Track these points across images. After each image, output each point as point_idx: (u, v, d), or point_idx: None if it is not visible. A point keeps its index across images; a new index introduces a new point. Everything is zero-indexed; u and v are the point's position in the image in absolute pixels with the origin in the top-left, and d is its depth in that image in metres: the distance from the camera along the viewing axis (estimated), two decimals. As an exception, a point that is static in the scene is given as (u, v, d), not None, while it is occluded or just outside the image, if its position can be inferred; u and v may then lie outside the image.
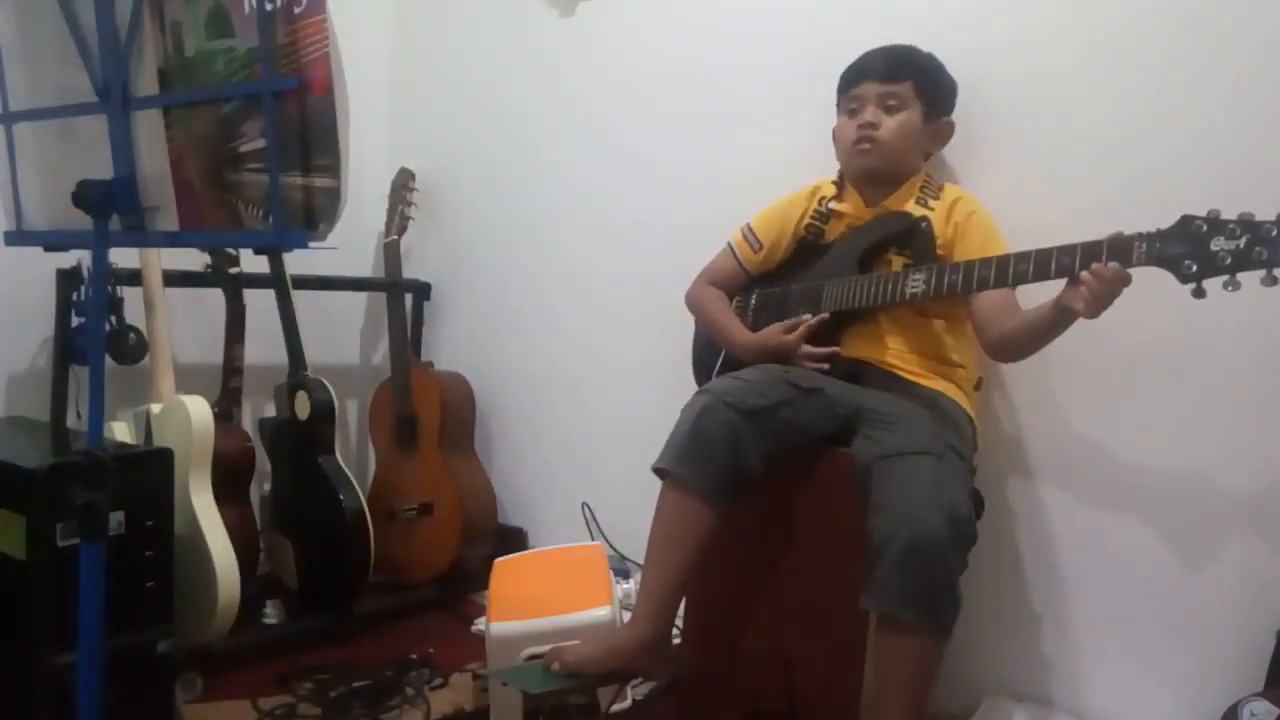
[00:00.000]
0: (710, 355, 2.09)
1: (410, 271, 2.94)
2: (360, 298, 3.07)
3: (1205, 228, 1.40)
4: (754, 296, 2.05)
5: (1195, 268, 1.40)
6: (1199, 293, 1.40)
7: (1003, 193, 1.90)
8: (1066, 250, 1.51)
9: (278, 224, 1.07)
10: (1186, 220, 1.42)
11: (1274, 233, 1.34)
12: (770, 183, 2.08)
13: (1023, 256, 1.58)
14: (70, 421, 2.23)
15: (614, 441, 2.59)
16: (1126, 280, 1.45)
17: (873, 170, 1.88)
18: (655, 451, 1.69)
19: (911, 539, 1.47)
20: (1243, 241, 1.37)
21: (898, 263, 1.84)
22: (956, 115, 1.91)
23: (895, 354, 1.82)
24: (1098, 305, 1.47)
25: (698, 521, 1.64)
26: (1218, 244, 1.38)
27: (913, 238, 1.83)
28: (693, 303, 2.12)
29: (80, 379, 2.24)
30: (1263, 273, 1.36)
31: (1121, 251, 1.45)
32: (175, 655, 1.83)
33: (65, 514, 1.60)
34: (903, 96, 1.84)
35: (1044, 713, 1.88)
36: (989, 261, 1.64)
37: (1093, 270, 1.45)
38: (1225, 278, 1.38)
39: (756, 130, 2.32)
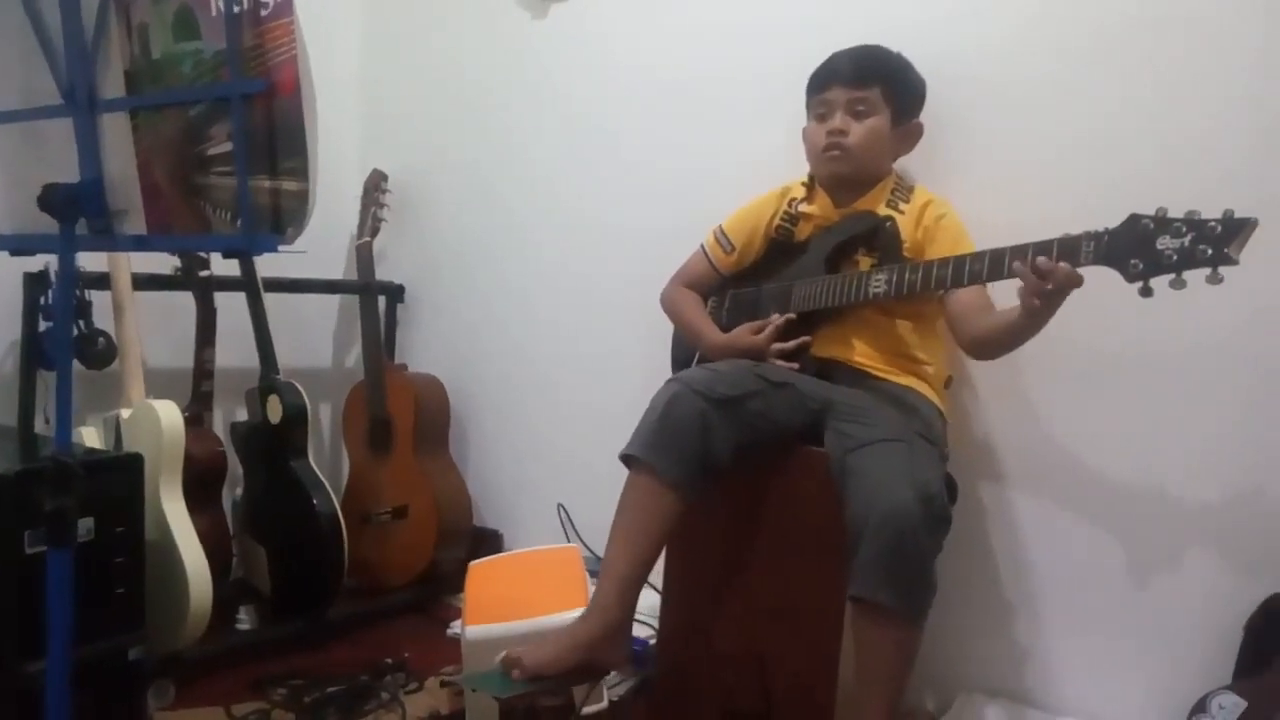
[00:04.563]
0: (688, 353, 2.10)
1: (383, 273, 2.92)
2: (332, 300, 3.05)
3: (1152, 226, 1.40)
4: (728, 297, 2.06)
5: (1141, 266, 1.40)
6: (1146, 291, 1.40)
7: (976, 196, 1.91)
8: (1019, 250, 1.52)
9: (247, 228, 1.07)
10: (1134, 219, 1.42)
11: (1218, 230, 1.34)
12: (746, 183, 2.09)
13: (977, 256, 1.60)
14: (39, 427, 2.20)
15: (590, 443, 2.58)
16: (1071, 278, 1.44)
17: (842, 176, 1.90)
18: (632, 452, 1.70)
19: (883, 517, 1.48)
20: (1188, 240, 1.37)
21: (865, 263, 1.85)
22: (931, 119, 1.92)
23: (862, 353, 1.83)
24: (1045, 309, 1.48)
25: (663, 509, 1.65)
26: (1163, 242, 1.38)
27: (878, 237, 1.84)
28: (667, 304, 2.13)
29: (48, 384, 2.21)
30: (1208, 271, 1.36)
31: (1070, 251, 1.46)
32: (147, 662, 1.82)
33: (33, 521, 1.59)
34: (871, 102, 1.84)
35: (1017, 709, 1.90)
36: (946, 261, 1.65)
37: (1032, 266, 1.46)
38: (1171, 276, 1.38)
39: (731, 131, 2.32)
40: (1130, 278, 1.41)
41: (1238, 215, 1.34)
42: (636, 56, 2.49)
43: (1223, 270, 1.35)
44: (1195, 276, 1.37)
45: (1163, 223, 1.39)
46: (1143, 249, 1.40)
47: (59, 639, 1.22)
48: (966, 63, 1.95)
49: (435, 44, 2.93)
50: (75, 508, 1.21)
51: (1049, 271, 1.45)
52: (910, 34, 1.92)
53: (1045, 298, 1.47)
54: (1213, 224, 1.35)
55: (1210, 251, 1.35)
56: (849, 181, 1.90)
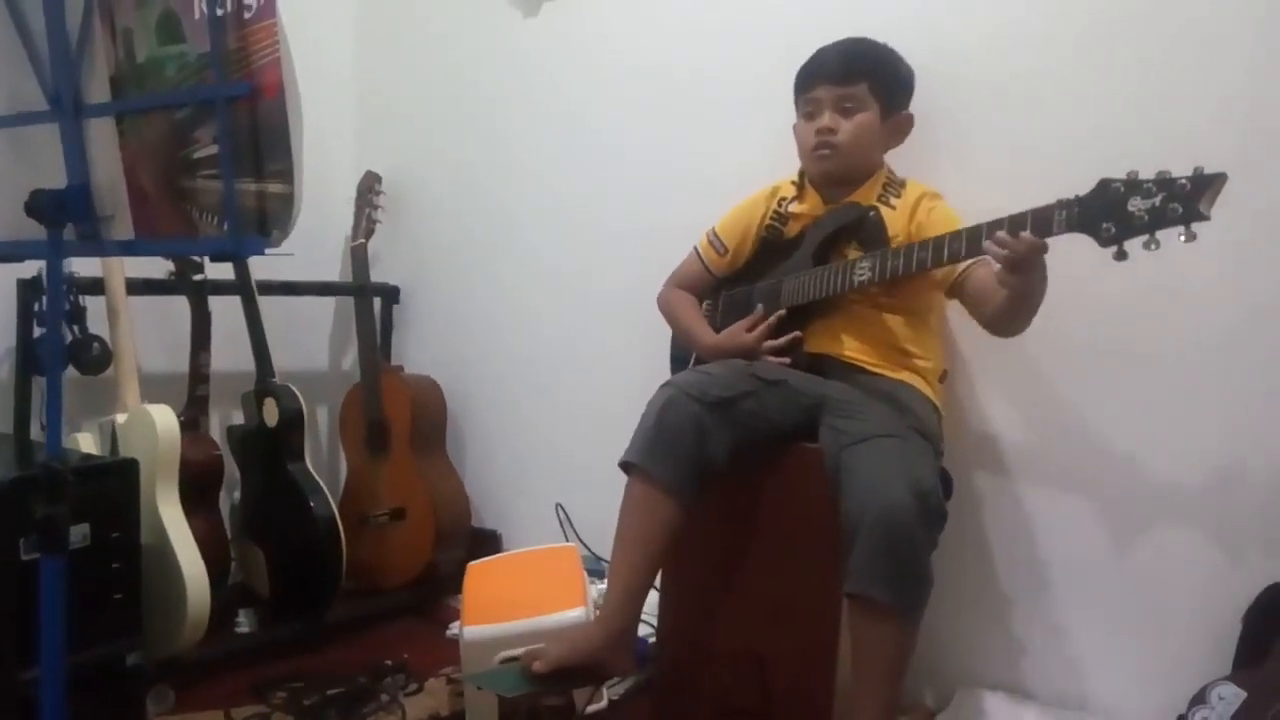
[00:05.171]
0: (687, 350, 2.10)
1: (378, 275, 2.92)
2: (328, 302, 3.05)
3: (1123, 189, 1.39)
4: (721, 298, 2.06)
5: (1114, 230, 1.39)
6: (1120, 255, 1.39)
7: (969, 191, 1.90)
8: (995, 224, 1.51)
9: (233, 231, 1.07)
10: (1104, 183, 1.41)
11: (1188, 188, 1.33)
12: (741, 181, 2.09)
13: (955, 235, 1.60)
14: (34, 433, 2.20)
15: (587, 442, 2.59)
16: (1034, 246, 1.44)
17: (833, 174, 1.89)
18: (628, 451, 1.70)
19: (878, 514, 1.48)
20: (1158, 199, 1.35)
21: (854, 255, 1.84)
22: (922, 114, 1.91)
23: (854, 348, 1.83)
24: (1020, 282, 1.49)
25: (663, 514, 1.65)
26: (1135, 204, 1.37)
27: (864, 228, 1.84)
28: (663, 306, 2.13)
29: (44, 390, 2.21)
30: (1181, 229, 1.34)
31: (1044, 221, 1.45)
32: (145, 667, 1.82)
33: (28, 528, 1.59)
34: (859, 98, 1.83)
35: (1017, 703, 1.89)
36: (926, 243, 1.65)
37: (995, 239, 1.47)
38: (1145, 237, 1.37)
39: (726, 128, 2.32)
40: (1104, 242, 1.40)
41: (1207, 171, 1.33)
42: (629, 54, 2.49)
43: (1195, 228, 1.33)
44: (1169, 237, 1.36)
45: (1133, 185, 1.38)
46: (1115, 212, 1.39)
47: (52, 645, 1.22)
48: (960, 57, 1.95)
49: (427, 44, 2.93)
50: (67, 515, 1.21)
51: (1008, 244, 1.45)
52: (904, 31, 1.91)
53: (1015, 269, 1.47)
54: (1182, 181, 1.34)
55: (1181, 209, 1.33)
56: (840, 178, 1.89)
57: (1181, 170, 1.36)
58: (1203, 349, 1.73)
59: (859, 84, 1.83)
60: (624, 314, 2.47)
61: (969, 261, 1.69)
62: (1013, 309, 1.60)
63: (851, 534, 1.51)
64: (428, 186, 2.94)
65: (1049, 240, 1.46)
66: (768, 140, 2.11)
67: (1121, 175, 1.40)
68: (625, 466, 1.69)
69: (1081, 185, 1.76)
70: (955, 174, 1.94)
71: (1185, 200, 1.33)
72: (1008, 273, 1.49)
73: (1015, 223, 1.48)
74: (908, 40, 1.89)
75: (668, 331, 2.16)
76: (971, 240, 1.56)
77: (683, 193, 2.39)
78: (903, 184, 1.89)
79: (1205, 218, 1.33)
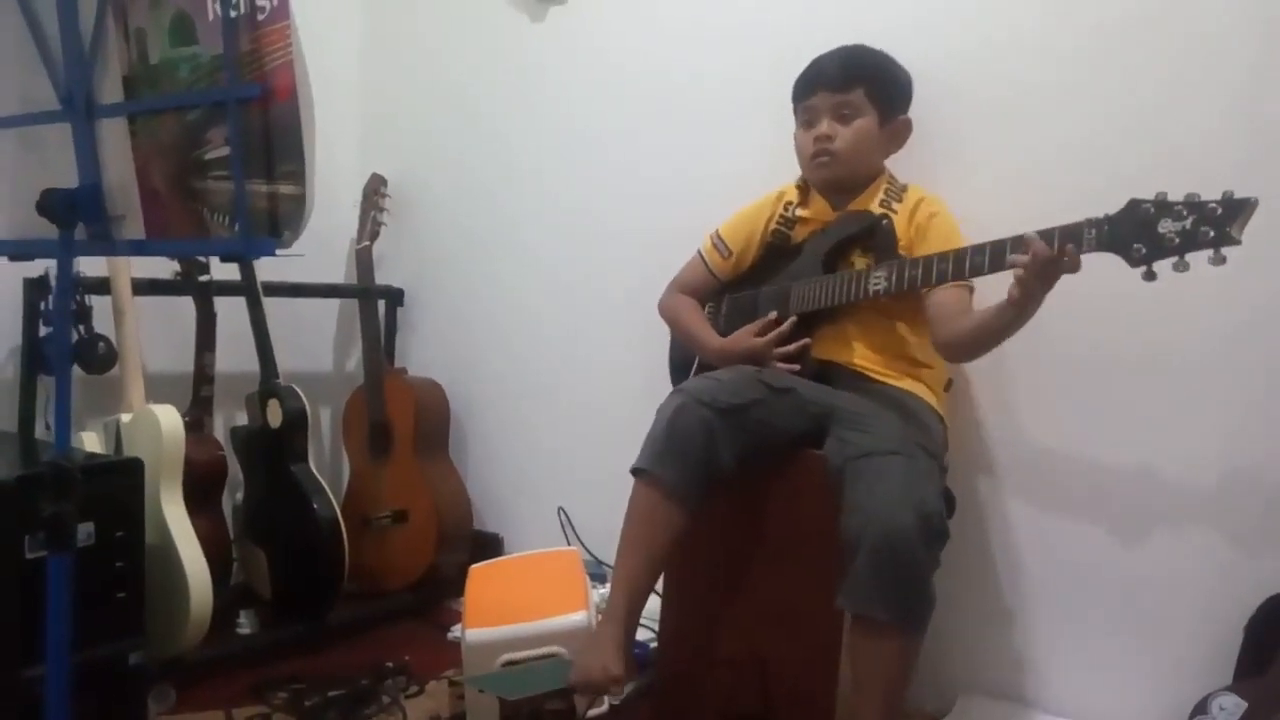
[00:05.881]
0: (686, 357, 2.10)
1: (383, 277, 2.92)
2: (332, 304, 3.06)
3: (1153, 210, 1.39)
4: (725, 301, 2.06)
5: (1144, 250, 1.39)
6: (1149, 275, 1.40)
7: (971, 197, 1.91)
8: (1019, 240, 1.50)
9: (244, 232, 1.07)
10: (1134, 204, 1.42)
11: (1219, 212, 1.34)
12: (744, 185, 2.09)
13: (978, 249, 1.59)
14: (39, 432, 2.20)
15: (590, 445, 2.59)
16: (1064, 262, 1.42)
17: (833, 181, 1.90)
18: (631, 455, 1.70)
19: (882, 536, 1.48)
20: (1189, 222, 1.36)
21: (861, 263, 1.85)
22: (923, 121, 1.92)
23: (862, 355, 1.83)
24: (1038, 280, 1.45)
25: (668, 519, 1.65)
26: (1165, 226, 1.38)
27: (874, 236, 1.84)
28: (665, 311, 2.13)
29: (49, 389, 2.21)
30: (1210, 252, 1.35)
31: (1073, 238, 1.45)
32: (148, 667, 1.82)
33: (33, 526, 1.59)
34: (856, 104, 1.84)
35: (1019, 711, 1.90)
36: (946, 255, 1.64)
37: (1029, 244, 1.44)
38: (1174, 259, 1.38)
39: (726, 133, 2.33)
40: (1134, 262, 1.41)
41: (1237, 196, 1.34)
42: (635, 59, 2.49)
43: (1225, 250, 1.35)
44: (1197, 258, 1.37)
45: (1163, 206, 1.39)
46: (1145, 233, 1.40)
47: (58, 643, 1.22)
48: (960, 63, 1.96)
49: (434, 48, 2.94)
50: (74, 512, 1.21)
51: (1041, 250, 1.43)
52: (906, 38, 1.92)
53: (1037, 280, 1.44)
54: (1213, 205, 1.35)
55: (1212, 233, 1.34)
56: (842, 184, 1.90)
57: (1196, 183, 1.37)
58: (1207, 355, 1.74)
59: (856, 90, 1.83)
60: (626, 317, 2.48)
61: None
62: (998, 331, 1.58)
63: (852, 549, 1.51)
64: (432, 190, 2.95)
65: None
66: (769, 144, 2.11)
67: (1139, 191, 1.40)
68: (637, 472, 1.69)
69: (1081, 192, 1.79)
70: (955, 181, 1.95)
71: (1216, 224, 1.34)
72: (1031, 278, 1.45)
73: (1043, 239, 1.47)
74: (907, 47, 1.90)
75: (669, 335, 2.17)
76: (994, 255, 1.56)
77: (685, 196, 2.39)
78: (904, 188, 1.89)
79: (1237, 241, 1.34)
